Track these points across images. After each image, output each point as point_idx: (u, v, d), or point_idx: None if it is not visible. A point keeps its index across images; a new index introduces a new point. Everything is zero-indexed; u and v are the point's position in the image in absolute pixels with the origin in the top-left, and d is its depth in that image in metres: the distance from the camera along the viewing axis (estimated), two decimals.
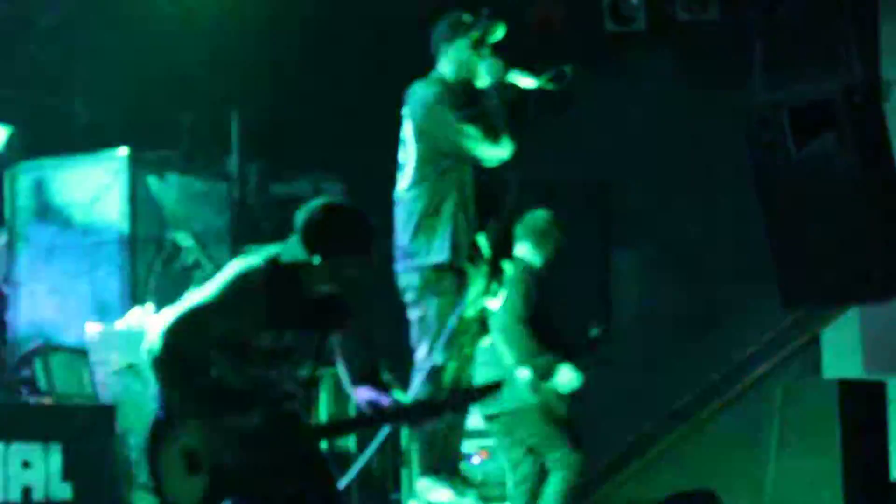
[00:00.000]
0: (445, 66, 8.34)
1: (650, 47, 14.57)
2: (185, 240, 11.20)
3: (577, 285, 14.25)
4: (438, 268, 8.04)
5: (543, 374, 9.25)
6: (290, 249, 5.80)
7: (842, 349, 13.36)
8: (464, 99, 8.19)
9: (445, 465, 8.22)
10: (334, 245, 5.75)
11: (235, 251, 11.85)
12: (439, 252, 8.02)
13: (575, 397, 9.78)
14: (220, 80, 12.63)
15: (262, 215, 12.44)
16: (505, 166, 8.26)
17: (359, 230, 5.83)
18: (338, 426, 7.04)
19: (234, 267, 5.80)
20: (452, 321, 7.94)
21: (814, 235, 11.75)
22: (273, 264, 5.82)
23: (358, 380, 6.22)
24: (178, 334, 5.61)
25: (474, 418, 9.23)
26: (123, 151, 11.13)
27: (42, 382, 8.85)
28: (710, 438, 13.93)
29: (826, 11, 13.16)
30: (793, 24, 12.87)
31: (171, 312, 5.75)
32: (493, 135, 8.07)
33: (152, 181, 11.34)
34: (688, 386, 14.23)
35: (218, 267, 11.48)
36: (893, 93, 12.53)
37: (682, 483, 12.59)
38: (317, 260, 5.69)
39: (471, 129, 8.01)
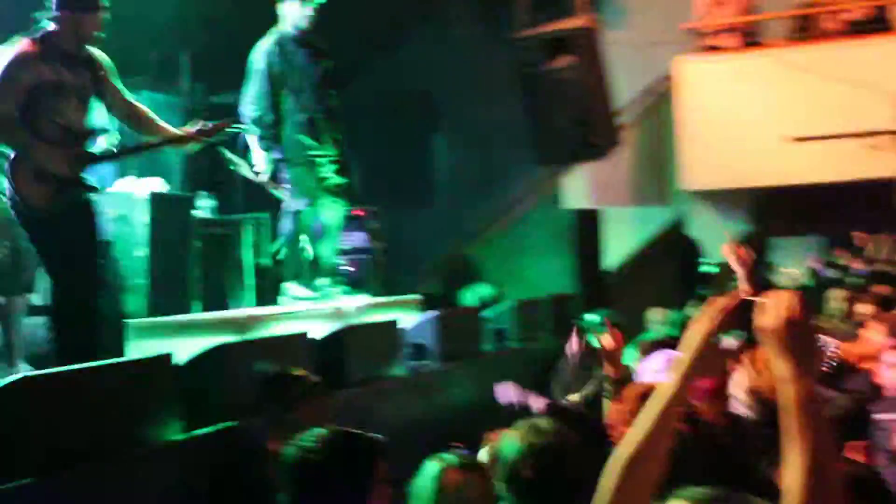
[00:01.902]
0: (283, 19, 8.01)
1: None
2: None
3: (404, 160, 14.67)
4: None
5: None
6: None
7: (574, 189, 13.67)
8: (281, 54, 7.96)
9: (304, 271, 8.23)
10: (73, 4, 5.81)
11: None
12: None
13: None
14: (172, 25, 12.59)
15: (205, 118, 12.45)
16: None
17: None
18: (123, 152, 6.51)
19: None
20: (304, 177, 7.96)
21: (559, 119, 12.04)
22: (34, 34, 5.88)
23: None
24: None
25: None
26: None
27: None
28: (496, 249, 13.87)
29: None
30: None
31: None
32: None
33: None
34: (482, 217, 14.29)
35: (177, 151, 11.65)
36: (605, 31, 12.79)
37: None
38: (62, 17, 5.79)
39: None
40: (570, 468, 3.26)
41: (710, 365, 2.48)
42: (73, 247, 5.83)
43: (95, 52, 6.17)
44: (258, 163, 8.00)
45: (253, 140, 8.01)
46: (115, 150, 6.36)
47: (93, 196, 6.09)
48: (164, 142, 6.58)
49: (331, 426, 3.29)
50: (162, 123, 6.59)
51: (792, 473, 2.13)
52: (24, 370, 6.58)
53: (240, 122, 7.21)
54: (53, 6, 5.86)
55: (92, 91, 6.05)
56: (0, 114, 5.70)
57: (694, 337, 2.43)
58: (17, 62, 5.78)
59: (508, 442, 3.35)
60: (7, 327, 6.96)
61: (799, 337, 2.20)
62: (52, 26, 5.88)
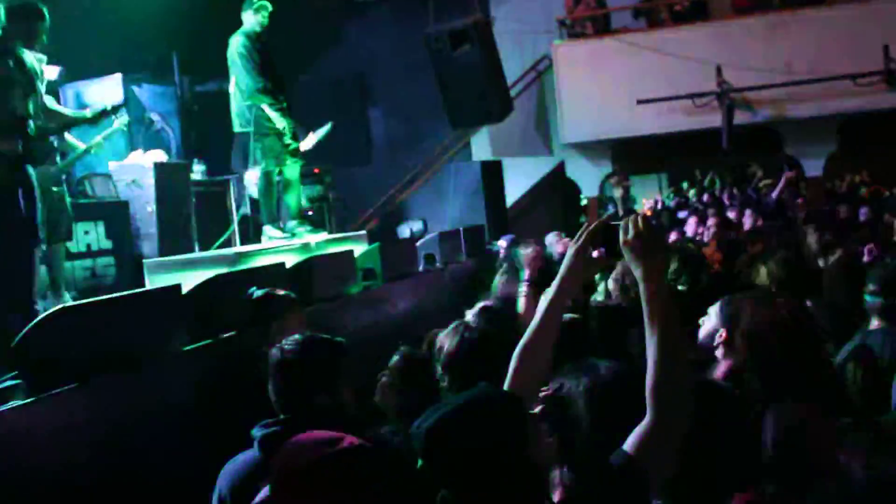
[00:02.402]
0: (245, 24, 7.82)
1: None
2: (159, 121, 11.01)
3: (348, 128, 14.37)
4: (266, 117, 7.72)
5: None
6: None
7: (480, 145, 13.71)
8: (253, 45, 7.75)
9: (279, 213, 8.18)
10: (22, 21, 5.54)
11: (181, 119, 11.80)
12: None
13: None
14: (165, 34, 12.34)
15: (192, 101, 12.23)
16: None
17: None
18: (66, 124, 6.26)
19: None
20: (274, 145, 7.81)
21: (464, 93, 11.95)
22: None
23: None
24: None
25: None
26: (118, 76, 10.82)
27: (90, 191, 8.77)
28: (423, 194, 13.79)
29: None
30: None
31: None
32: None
33: (136, 89, 11.12)
34: (410, 169, 14.25)
35: (173, 129, 11.40)
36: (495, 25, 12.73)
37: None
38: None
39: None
40: (491, 355, 3.28)
41: (582, 272, 2.50)
42: (18, 212, 5.42)
43: (36, 55, 5.87)
44: (277, 122, 7.76)
45: (266, 108, 7.71)
46: (53, 130, 6.21)
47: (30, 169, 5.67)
48: (83, 120, 6.33)
49: (305, 333, 3.29)
50: (66, 112, 6.36)
51: (650, 342, 2.18)
52: (68, 300, 6.48)
53: (119, 111, 6.87)
54: (4, 17, 5.53)
55: (32, 85, 5.71)
56: None
57: (571, 252, 2.45)
58: None
59: (446, 337, 3.36)
60: (52, 268, 6.83)
61: (646, 247, 2.24)
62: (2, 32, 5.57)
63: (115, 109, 6.53)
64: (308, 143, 8.60)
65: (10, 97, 5.57)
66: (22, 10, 5.71)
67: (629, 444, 2.10)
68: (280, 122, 7.71)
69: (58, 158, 6.80)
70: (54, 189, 6.68)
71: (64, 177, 7.28)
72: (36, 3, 5.77)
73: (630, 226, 2.26)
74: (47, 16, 5.79)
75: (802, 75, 12.20)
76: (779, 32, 12.44)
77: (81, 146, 7.15)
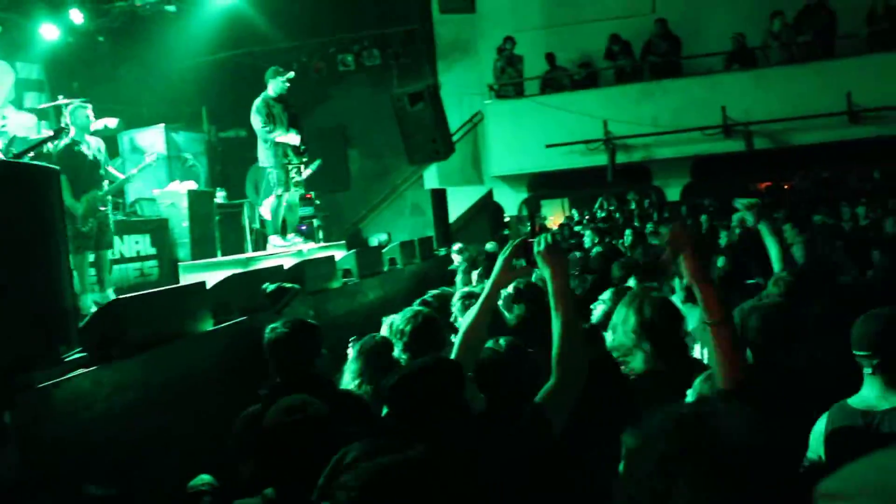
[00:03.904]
0: (267, 88, 7.73)
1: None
2: (191, 159, 10.85)
3: (332, 164, 14.25)
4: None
5: None
6: None
7: (430, 177, 13.62)
8: (267, 107, 7.64)
9: (281, 228, 8.05)
10: None
11: (208, 157, 11.60)
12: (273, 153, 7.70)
13: None
14: (197, 94, 12.17)
15: (216, 144, 12.06)
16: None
17: None
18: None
19: None
20: (283, 176, 7.78)
21: (418, 138, 11.89)
22: None
23: None
24: None
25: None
26: (161, 125, 10.66)
27: (139, 211, 8.61)
28: (387, 213, 13.66)
29: (419, 49, 13.12)
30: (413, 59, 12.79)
31: None
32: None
33: (175, 136, 10.96)
34: (378, 195, 14.06)
35: (202, 165, 11.21)
36: (442, 88, 12.71)
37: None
38: None
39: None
40: (435, 334, 3.29)
41: (509, 277, 2.53)
42: None
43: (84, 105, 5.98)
44: (265, 161, 7.73)
45: (267, 153, 7.70)
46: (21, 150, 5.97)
47: None
48: (41, 142, 6.19)
49: (291, 318, 3.27)
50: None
51: (556, 327, 2.20)
52: (110, 295, 6.37)
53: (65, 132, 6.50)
54: None
55: None
56: None
57: (500, 261, 2.48)
58: None
59: (397, 321, 3.36)
60: (99, 269, 6.69)
61: (553, 255, 2.28)
62: None
63: (57, 134, 6.35)
64: (304, 174, 8.57)
65: None
66: None
67: (539, 397, 2.12)
68: (267, 161, 7.64)
69: (105, 185, 6.64)
70: (101, 209, 6.54)
71: (119, 200, 7.13)
72: None
73: (542, 241, 2.31)
74: (15, 72, 5.69)
75: (665, 127, 12.46)
76: (648, 96, 12.69)
77: (122, 176, 7.01)
